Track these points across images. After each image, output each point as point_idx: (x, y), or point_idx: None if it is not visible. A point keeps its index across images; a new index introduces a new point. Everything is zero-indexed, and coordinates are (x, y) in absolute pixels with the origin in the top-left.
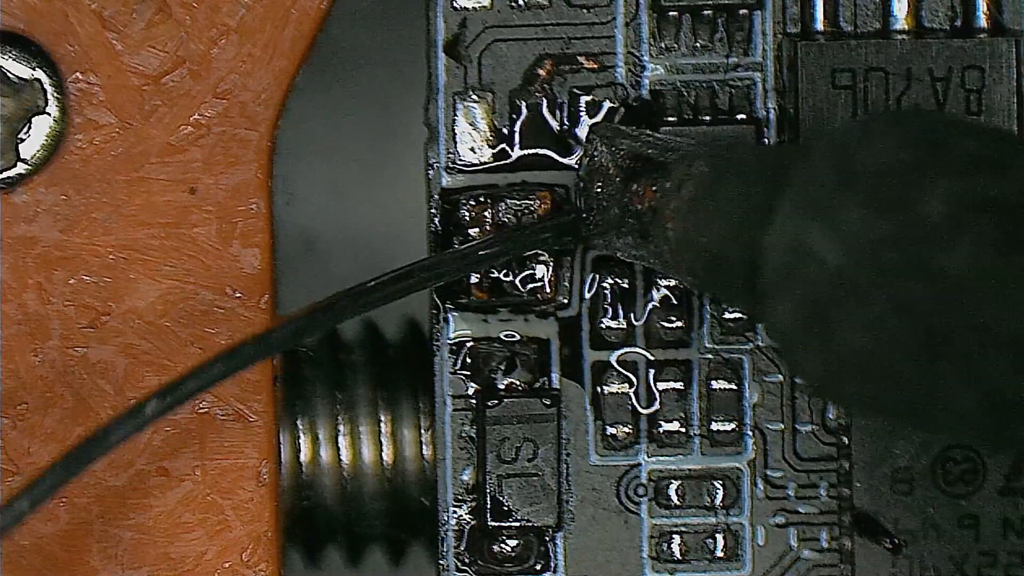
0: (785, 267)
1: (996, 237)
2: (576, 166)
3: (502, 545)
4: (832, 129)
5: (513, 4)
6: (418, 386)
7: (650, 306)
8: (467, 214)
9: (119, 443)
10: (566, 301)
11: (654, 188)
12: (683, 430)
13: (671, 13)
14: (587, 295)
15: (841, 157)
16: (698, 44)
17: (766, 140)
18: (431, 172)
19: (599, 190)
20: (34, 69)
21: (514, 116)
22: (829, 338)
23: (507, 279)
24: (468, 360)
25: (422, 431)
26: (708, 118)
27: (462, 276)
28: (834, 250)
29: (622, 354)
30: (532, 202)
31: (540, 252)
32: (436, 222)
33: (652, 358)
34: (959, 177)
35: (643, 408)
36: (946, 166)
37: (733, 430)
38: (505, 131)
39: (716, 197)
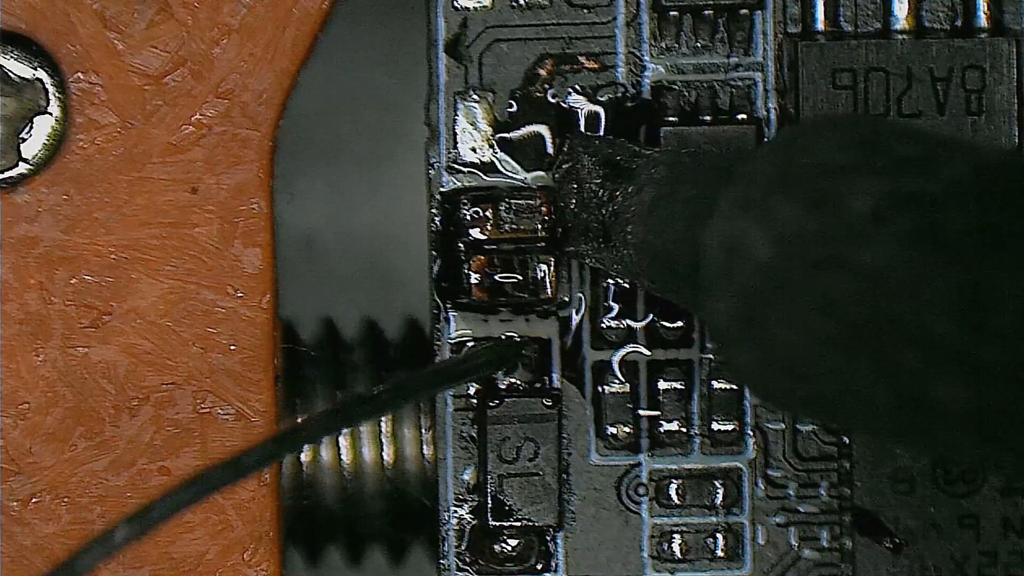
0: (720, 263)
1: (912, 230)
2: (553, 173)
3: (503, 545)
4: (779, 132)
5: (514, 4)
6: None
7: (651, 306)
8: (468, 214)
9: (87, 570)
10: (567, 300)
11: (617, 192)
12: (683, 430)
13: (672, 13)
14: (587, 294)
15: (781, 157)
16: (699, 44)
17: (767, 140)
18: (432, 172)
19: (573, 196)
20: (35, 69)
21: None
22: (760, 335)
23: (508, 279)
24: None
25: (423, 431)
26: (709, 118)
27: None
28: (765, 246)
29: (622, 354)
30: (533, 202)
31: (540, 259)
32: (437, 222)
33: (652, 358)
34: (889, 175)
35: (643, 408)
36: (879, 166)
37: (733, 430)
38: (505, 130)
39: (671, 200)
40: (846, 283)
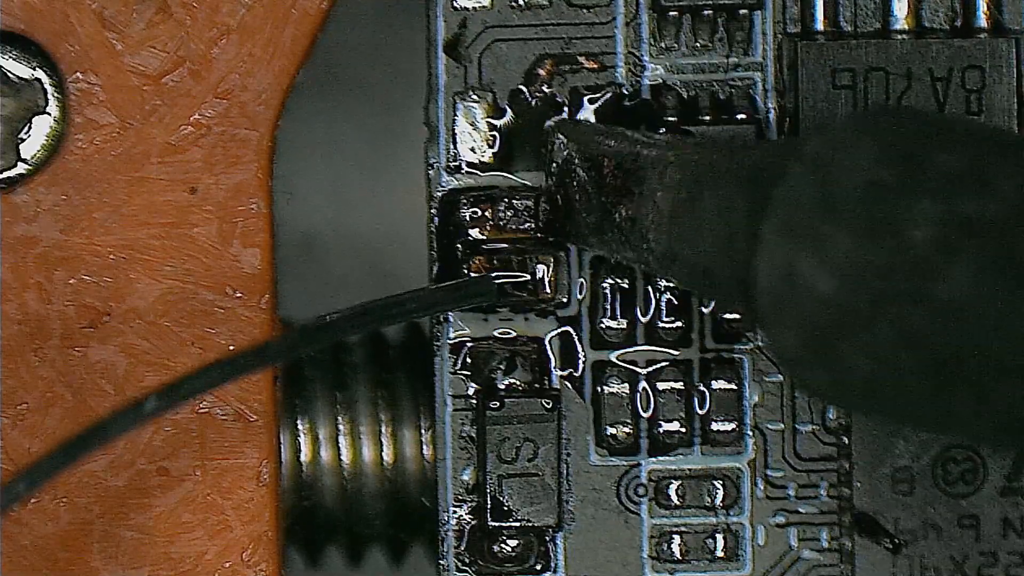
0: (778, 295)
1: (987, 262)
2: (546, 169)
3: (502, 545)
4: (805, 140)
5: (513, 4)
6: (418, 386)
7: (650, 306)
8: (467, 214)
9: (117, 436)
10: (566, 300)
11: (627, 197)
12: (683, 430)
13: (671, 13)
14: (585, 294)
15: (819, 175)
16: (698, 44)
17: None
18: (431, 172)
19: (575, 196)
20: (34, 69)
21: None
22: (834, 364)
23: (507, 279)
24: (468, 360)
25: (422, 431)
26: (708, 118)
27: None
28: (825, 279)
29: (622, 354)
30: (531, 202)
31: (539, 259)
32: (436, 222)
33: (652, 358)
34: (941, 197)
35: (643, 408)
36: (927, 185)
37: (733, 430)
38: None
39: (694, 211)
40: (924, 316)
